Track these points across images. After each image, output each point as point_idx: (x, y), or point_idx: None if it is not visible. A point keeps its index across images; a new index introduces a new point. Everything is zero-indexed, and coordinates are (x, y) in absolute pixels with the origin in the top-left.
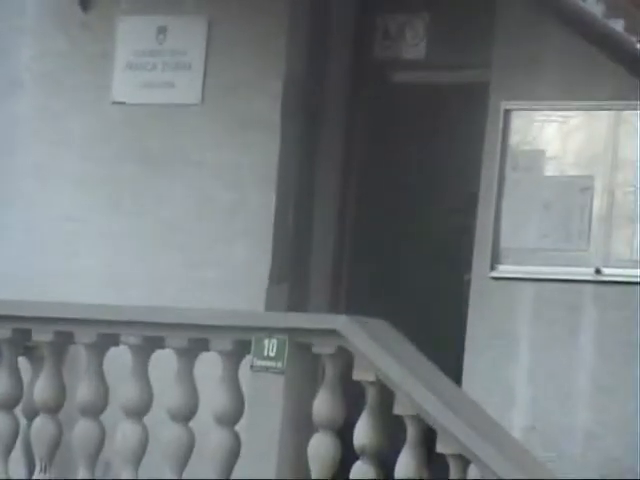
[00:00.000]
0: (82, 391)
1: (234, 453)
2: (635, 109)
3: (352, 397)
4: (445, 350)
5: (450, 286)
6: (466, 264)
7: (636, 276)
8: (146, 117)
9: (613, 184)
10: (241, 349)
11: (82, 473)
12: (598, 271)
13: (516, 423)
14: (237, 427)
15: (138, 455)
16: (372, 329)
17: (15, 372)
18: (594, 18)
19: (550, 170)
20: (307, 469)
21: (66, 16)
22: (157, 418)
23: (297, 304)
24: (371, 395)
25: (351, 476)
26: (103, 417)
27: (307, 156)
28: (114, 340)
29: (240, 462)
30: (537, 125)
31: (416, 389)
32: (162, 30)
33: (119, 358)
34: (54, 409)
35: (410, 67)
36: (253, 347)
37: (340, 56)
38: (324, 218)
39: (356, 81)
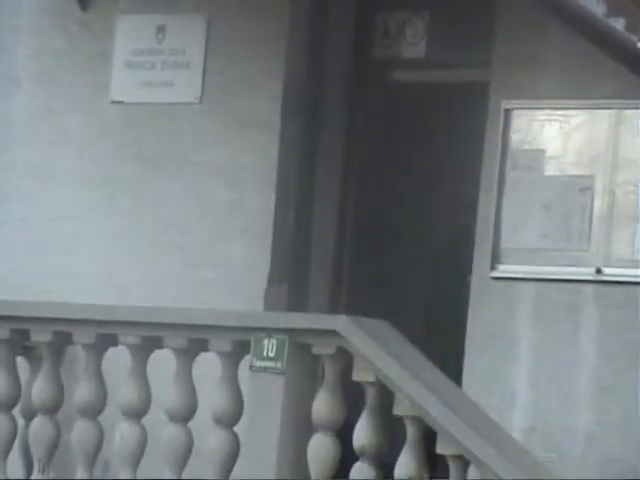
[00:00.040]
0: (81, 391)
1: (233, 454)
2: (636, 108)
3: (352, 397)
4: (445, 350)
5: (450, 286)
6: (466, 264)
7: (637, 276)
8: (145, 116)
9: (614, 184)
10: (240, 349)
11: (80, 474)
12: (599, 271)
13: (516, 423)
14: (236, 428)
15: (137, 456)
16: (372, 329)
17: (13, 372)
18: (594, 17)
19: (551, 170)
20: (307, 470)
21: (64, 14)
22: (156, 419)
23: (297, 304)
24: (371, 395)
25: (351, 476)
26: (102, 417)
27: (307, 156)
28: (113, 340)
29: (240, 462)
30: (537, 124)
31: (416, 390)
32: (161, 29)
33: (118, 358)
34: (52, 409)
35: (410, 66)
36: (252, 347)
37: (340, 55)
38: (324, 218)
39: (356, 80)
